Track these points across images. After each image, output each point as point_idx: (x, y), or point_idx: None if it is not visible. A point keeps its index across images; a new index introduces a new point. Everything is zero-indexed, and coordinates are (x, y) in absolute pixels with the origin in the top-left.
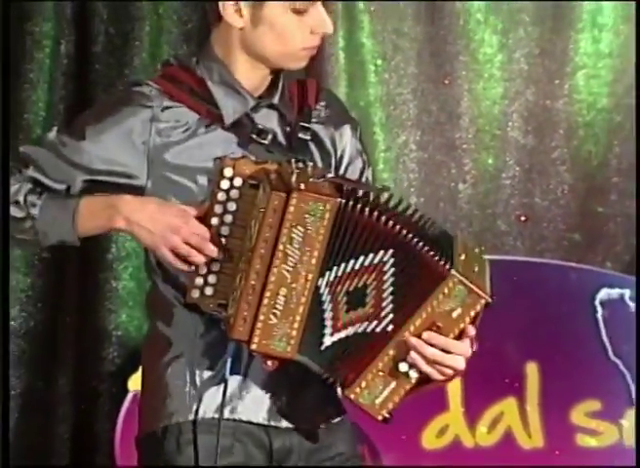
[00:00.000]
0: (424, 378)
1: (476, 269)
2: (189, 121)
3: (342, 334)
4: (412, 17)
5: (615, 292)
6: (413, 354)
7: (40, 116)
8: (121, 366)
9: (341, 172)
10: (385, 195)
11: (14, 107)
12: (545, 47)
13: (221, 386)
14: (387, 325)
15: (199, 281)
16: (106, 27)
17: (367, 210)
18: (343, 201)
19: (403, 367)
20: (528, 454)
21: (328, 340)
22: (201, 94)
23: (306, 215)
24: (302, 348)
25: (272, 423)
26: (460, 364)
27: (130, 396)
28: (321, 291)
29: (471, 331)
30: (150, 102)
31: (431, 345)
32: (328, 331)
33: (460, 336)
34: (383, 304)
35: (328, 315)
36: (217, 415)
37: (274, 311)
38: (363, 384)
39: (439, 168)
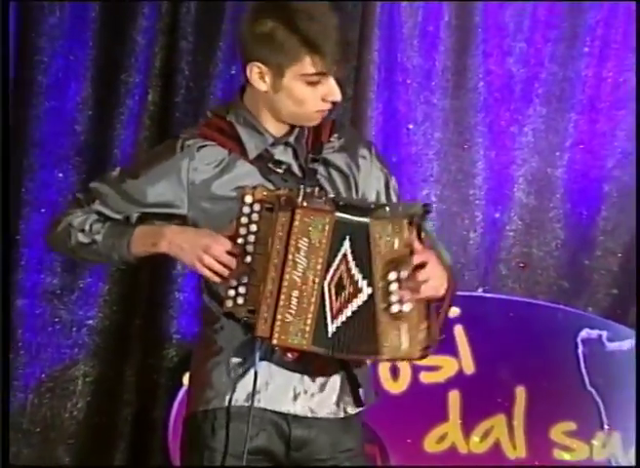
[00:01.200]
0: (426, 301)
1: (400, 209)
2: (220, 157)
3: (341, 319)
4: (441, 90)
5: (594, 333)
6: (393, 296)
7: (127, 152)
8: (178, 363)
9: (361, 186)
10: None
11: (105, 143)
12: (550, 124)
13: (251, 378)
14: (367, 289)
15: (231, 292)
16: (187, 82)
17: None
18: (339, 214)
19: (395, 308)
20: (512, 463)
21: (331, 328)
22: (230, 133)
23: (310, 228)
24: (315, 339)
25: (293, 413)
26: (430, 271)
27: (184, 389)
28: (324, 290)
29: (417, 245)
30: (189, 145)
31: (399, 280)
32: (329, 320)
33: (412, 255)
34: (355, 279)
35: (327, 307)
36: (246, 404)
37: (289, 311)
38: (386, 344)
39: (454, 218)
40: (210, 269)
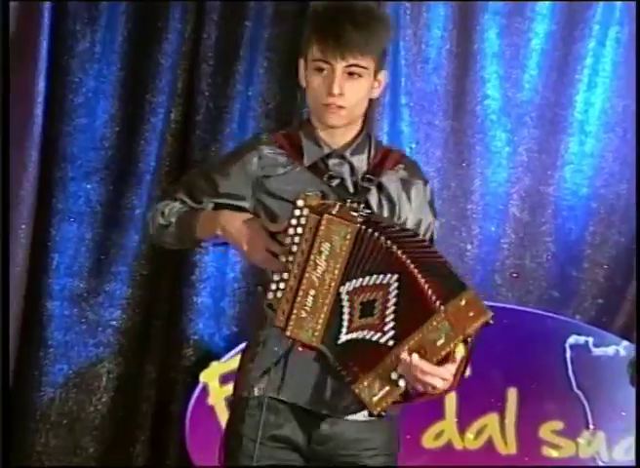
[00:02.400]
0: (414, 391)
1: (471, 314)
2: (283, 162)
3: (354, 336)
4: (442, 113)
5: (581, 339)
6: (400, 369)
7: (150, 166)
8: (195, 362)
9: (402, 218)
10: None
11: (130, 157)
12: (543, 145)
13: (277, 372)
14: (389, 340)
15: (273, 286)
16: (207, 102)
17: (382, 237)
18: (363, 227)
19: (394, 375)
20: (504, 458)
21: (343, 337)
22: (296, 143)
23: (333, 235)
24: (324, 340)
25: (316, 409)
26: (438, 383)
27: (200, 386)
28: (342, 296)
29: (450, 360)
30: (261, 146)
31: (415, 366)
32: (344, 329)
33: (443, 361)
34: (386, 320)
35: (345, 317)
36: (273, 395)
37: (305, 307)
38: (365, 383)
39: (453, 231)
40: (250, 255)
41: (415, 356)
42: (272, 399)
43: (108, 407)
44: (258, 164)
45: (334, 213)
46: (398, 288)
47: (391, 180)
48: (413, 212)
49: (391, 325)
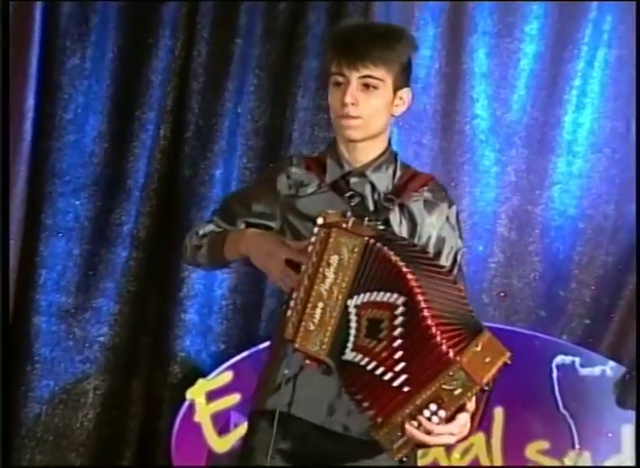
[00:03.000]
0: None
1: (487, 360)
2: (311, 182)
3: (359, 357)
4: (431, 132)
5: (568, 359)
6: (420, 417)
7: (139, 182)
8: (182, 379)
9: (424, 240)
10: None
11: (119, 173)
12: (531, 165)
13: (290, 387)
14: (403, 385)
15: (292, 304)
16: (196, 119)
17: (391, 253)
18: (371, 240)
19: (408, 425)
20: None
21: (349, 354)
22: (322, 164)
23: (342, 247)
24: (331, 353)
25: (327, 427)
26: (446, 441)
27: (186, 403)
28: (349, 309)
29: (466, 410)
30: (289, 166)
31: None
32: (350, 345)
33: (458, 410)
34: (395, 357)
35: (352, 332)
36: (285, 410)
37: (313, 320)
38: (385, 430)
39: None
40: (269, 271)
41: (436, 408)
42: (283, 413)
43: (94, 423)
44: (286, 183)
45: (344, 226)
46: (404, 314)
47: (414, 201)
48: (436, 231)
49: (401, 366)
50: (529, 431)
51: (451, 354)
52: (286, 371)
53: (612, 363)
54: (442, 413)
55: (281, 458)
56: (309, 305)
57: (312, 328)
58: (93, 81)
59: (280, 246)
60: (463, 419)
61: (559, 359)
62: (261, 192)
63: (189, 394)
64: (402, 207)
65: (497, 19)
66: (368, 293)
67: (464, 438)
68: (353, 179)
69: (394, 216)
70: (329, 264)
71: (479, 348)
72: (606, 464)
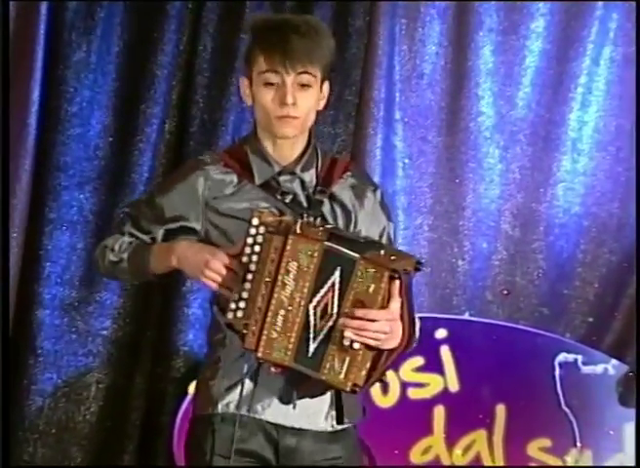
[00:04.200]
0: (376, 352)
1: (392, 258)
2: (232, 181)
3: (318, 339)
4: (435, 129)
5: (570, 357)
6: (348, 331)
7: (144, 176)
8: (185, 373)
9: (360, 225)
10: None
11: (124, 168)
12: (535, 162)
13: (243, 387)
14: (333, 318)
15: (232, 306)
16: (202, 114)
17: (349, 252)
18: (329, 243)
19: (346, 341)
20: None
21: (312, 348)
22: (244, 162)
23: (300, 254)
24: (297, 357)
25: (282, 423)
26: (385, 327)
27: (189, 397)
28: (310, 312)
29: (389, 300)
30: (206, 166)
31: (357, 318)
32: (311, 340)
33: (382, 308)
34: (334, 304)
35: (312, 329)
36: (236, 411)
37: (275, 327)
38: (327, 365)
39: (444, 247)
40: (212, 281)
41: (350, 309)
42: (237, 414)
43: (97, 416)
44: (205, 185)
45: (298, 232)
46: (340, 280)
47: (343, 189)
48: (367, 217)
49: (336, 303)
50: (531, 428)
51: (355, 255)
52: (236, 369)
53: (614, 361)
54: (363, 313)
55: (241, 459)
56: (270, 314)
57: (275, 336)
58: (98, 75)
59: (215, 253)
60: (393, 308)
61: (562, 357)
62: (178, 195)
63: (192, 388)
64: (332, 197)
65: (503, 16)
66: (322, 290)
67: (404, 343)
68: (284, 178)
69: (326, 207)
70: (288, 271)
71: (382, 252)
72: (608, 463)
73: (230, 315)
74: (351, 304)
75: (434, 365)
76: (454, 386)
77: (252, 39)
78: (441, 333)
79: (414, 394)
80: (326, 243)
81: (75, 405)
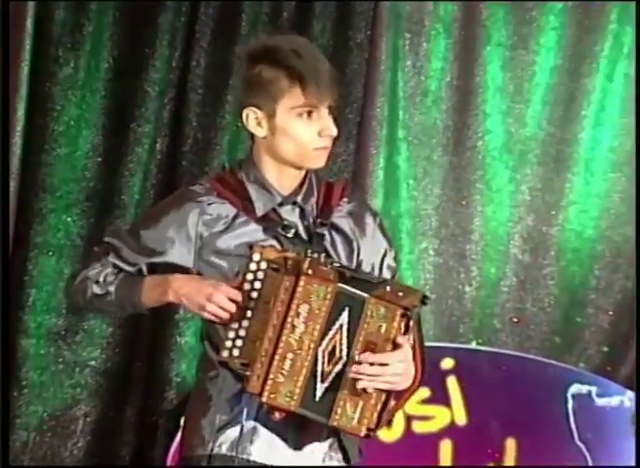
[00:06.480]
0: (387, 394)
1: (400, 294)
2: (230, 214)
3: (326, 383)
4: (441, 148)
5: (584, 388)
6: (361, 374)
7: (134, 198)
8: (177, 406)
9: (362, 254)
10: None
11: (113, 189)
12: (546, 183)
13: (237, 429)
14: (345, 359)
15: (228, 343)
16: (195, 133)
17: (362, 294)
18: (342, 285)
19: (359, 385)
20: None
21: (319, 392)
22: (240, 192)
23: (311, 296)
24: (303, 402)
25: (278, 465)
26: (398, 369)
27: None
28: (319, 355)
29: (400, 339)
30: (200, 198)
31: (370, 364)
32: (319, 384)
33: (394, 348)
34: (343, 346)
35: (319, 372)
36: (230, 453)
37: (282, 371)
38: (339, 411)
39: (451, 272)
40: (214, 315)
41: (363, 355)
42: (228, 457)
43: (85, 452)
44: (199, 220)
45: (309, 272)
46: (349, 320)
47: (341, 217)
48: (369, 244)
49: (346, 345)
50: (543, 464)
51: (363, 295)
52: (231, 408)
53: (630, 393)
54: (377, 358)
55: None
56: (277, 357)
57: (282, 380)
58: (86, 92)
59: (217, 286)
60: (404, 350)
61: (575, 388)
62: (165, 229)
63: None
64: (332, 226)
65: (511, 30)
66: (331, 332)
67: (417, 384)
68: (285, 208)
69: (327, 240)
70: (298, 314)
71: (388, 289)
72: None
73: (225, 353)
74: (363, 346)
75: (440, 396)
76: (461, 419)
77: (272, 66)
78: (447, 363)
79: (419, 427)
80: (338, 285)
81: (62, 439)
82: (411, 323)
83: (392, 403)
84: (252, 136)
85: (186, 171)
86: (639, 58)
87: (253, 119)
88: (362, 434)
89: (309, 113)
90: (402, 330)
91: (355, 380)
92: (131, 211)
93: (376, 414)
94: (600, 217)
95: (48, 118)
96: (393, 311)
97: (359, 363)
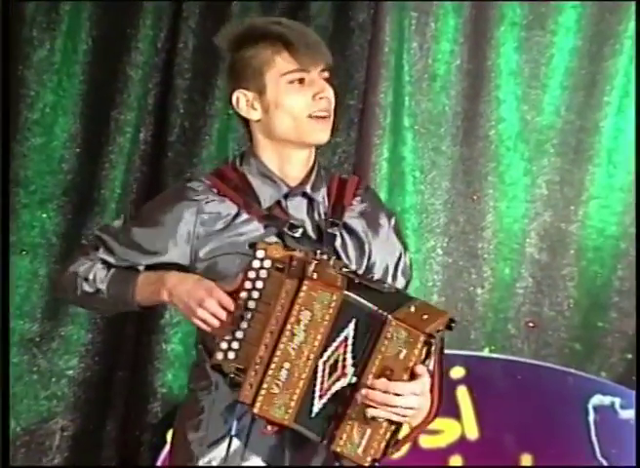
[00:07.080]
0: (397, 426)
1: (425, 317)
2: (230, 213)
3: (325, 399)
4: (450, 138)
5: (607, 399)
6: (374, 401)
7: (116, 193)
8: (163, 419)
9: (374, 255)
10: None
11: (93, 183)
12: (565, 176)
13: (227, 444)
14: (351, 377)
15: (224, 345)
16: (182, 121)
17: (369, 305)
18: (349, 293)
19: (371, 412)
20: None
21: (316, 408)
22: (242, 187)
23: (314, 302)
24: (298, 417)
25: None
26: (412, 402)
27: (167, 447)
28: (319, 368)
29: (419, 369)
30: (198, 196)
31: (384, 391)
32: (316, 400)
33: (411, 376)
34: (347, 362)
35: (318, 386)
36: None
37: (277, 382)
38: (344, 436)
39: (461, 272)
40: (204, 322)
41: (379, 381)
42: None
43: None
44: (196, 220)
45: (314, 277)
46: (355, 329)
47: (354, 217)
48: (382, 247)
49: (351, 362)
50: None
51: (384, 315)
52: (224, 420)
53: None
54: (393, 387)
55: None
56: (273, 366)
57: (276, 391)
58: (63, 76)
59: (211, 291)
60: (422, 381)
61: (596, 399)
62: (159, 230)
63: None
64: (343, 226)
65: (527, 8)
66: (335, 344)
67: (432, 417)
68: (291, 201)
69: (337, 240)
70: (299, 321)
71: (412, 309)
72: None
73: (220, 355)
74: (378, 371)
75: (450, 408)
76: (472, 433)
77: (253, 41)
78: (457, 372)
79: (427, 442)
80: (345, 292)
81: (37, 455)
82: (432, 348)
83: (402, 434)
84: (247, 124)
85: (173, 162)
86: (639, 57)
87: (244, 102)
88: (366, 464)
89: (301, 80)
90: (422, 357)
91: (365, 406)
92: (112, 206)
93: (383, 444)
94: (624, 213)
95: (21, 105)
96: (416, 337)
97: (371, 387)
